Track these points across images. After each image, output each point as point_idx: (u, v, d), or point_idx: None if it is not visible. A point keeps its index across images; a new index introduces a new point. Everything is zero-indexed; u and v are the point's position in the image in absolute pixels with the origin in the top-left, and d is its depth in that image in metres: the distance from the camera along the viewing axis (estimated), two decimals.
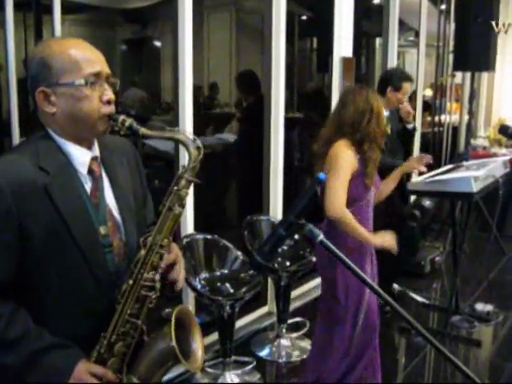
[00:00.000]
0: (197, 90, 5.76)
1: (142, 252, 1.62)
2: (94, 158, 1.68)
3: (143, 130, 1.60)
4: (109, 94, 1.61)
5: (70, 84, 1.57)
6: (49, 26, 2.94)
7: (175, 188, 1.63)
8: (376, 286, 1.54)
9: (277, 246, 1.60)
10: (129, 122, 1.60)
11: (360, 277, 1.54)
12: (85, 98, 1.58)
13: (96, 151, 1.70)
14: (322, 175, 1.54)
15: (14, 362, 1.53)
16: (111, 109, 1.62)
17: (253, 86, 4.98)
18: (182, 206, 1.65)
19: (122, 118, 1.60)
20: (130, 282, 1.62)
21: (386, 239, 2.90)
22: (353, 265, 1.53)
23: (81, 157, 1.64)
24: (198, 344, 1.70)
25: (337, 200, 2.85)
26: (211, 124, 6.26)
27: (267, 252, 1.58)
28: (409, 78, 4.42)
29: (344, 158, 2.90)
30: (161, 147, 4.60)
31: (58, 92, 1.58)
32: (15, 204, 1.51)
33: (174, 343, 1.56)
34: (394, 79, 4.33)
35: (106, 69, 1.63)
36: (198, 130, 4.92)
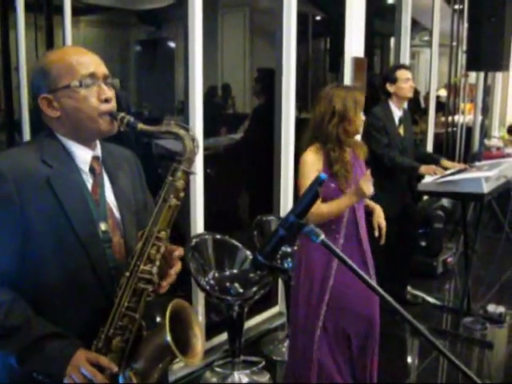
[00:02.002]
0: (211, 90, 5.77)
1: (139, 244, 1.65)
2: (95, 157, 1.74)
3: (141, 126, 1.64)
4: (106, 93, 1.67)
5: (67, 87, 1.63)
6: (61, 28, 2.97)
7: (170, 179, 1.65)
8: (377, 287, 1.53)
9: (278, 246, 1.59)
10: (127, 118, 1.65)
11: (361, 277, 1.54)
12: (82, 99, 1.64)
13: (98, 152, 1.76)
14: (323, 175, 1.54)
15: (15, 349, 1.57)
16: (110, 106, 1.68)
17: (271, 85, 4.95)
18: (178, 197, 1.65)
19: (121, 114, 1.66)
20: (127, 274, 1.64)
21: (360, 188, 2.78)
22: (354, 265, 1.53)
23: (82, 155, 1.70)
24: (198, 338, 1.70)
25: None
26: (224, 124, 6.26)
27: (269, 252, 1.58)
28: (401, 66, 4.45)
29: (308, 164, 2.91)
30: (172, 147, 4.62)
31: (58, 96, 1.65)
32: (17, 191, 1.56)
33: (169, 338, 1.56)
34: (388, 74, 4.38)
35: (102, 70, 1.69)
36: (211, 131, 4.94)
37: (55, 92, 1.64)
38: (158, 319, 1.66)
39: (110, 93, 1.68)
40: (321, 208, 2.82)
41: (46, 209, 1.59)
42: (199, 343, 1.69)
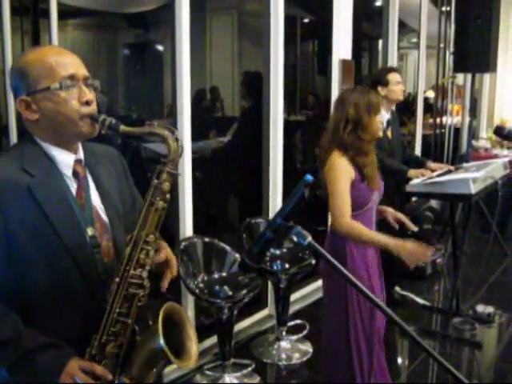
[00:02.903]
0: (199, 93, 5.78)
1: (128, 249, 1.63)
2: (77, 161, 1.70)
3: (123, 128, 1.61)
4: (87, 95, 1.63)
5: (46, 89, 1.60)
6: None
7: (156, 181, 1.62)
8: (365, 290, 1.53)
9: (266, 248, 1.59)
10: (109, 120, 1.61)
11: (350, 280, 1.54)
12: (62, 102, 1.60)
13: (80, 155, 1.72)
14: (309, 177, 1.54)
15: (6, 362, 1.54)
16: (91, 109, 1.64)
17: (258, 88, 4.96)
18: (165, 200, 1.63)
19: (102, 117, 1.62)
20: (117, 279, 1.62)
21: (410, 247, 2.69)
22: (341, 267, 1.53)
23: (65, 160, 1.67)
24: (192, 340, 1.68)
25: (341, 213, 2.77)
26: (213, 127, 6.27)
27: (256, 254, 1.58)
28: (392, 69, 4.46)
29: (339, 169, 2.85)
30: (161, 150, 4.60)
31: (37, 99, 1.61)
32: None
33: (162, 342, 1.55)
34: (378, 77, 4.37)
35: (82, 71, 1.65)
36: (200, 134, 4.93)
37: (34, 94, 1.60)
38: (151, 323, 1.64)
39: (90, 95, 1.64)
40: (363, 230, 2.81)
41: (30, 219, 1.56)
42: (193, 346, 1.68)
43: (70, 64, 1.63)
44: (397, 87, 4.30)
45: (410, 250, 2.68)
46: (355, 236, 2.82)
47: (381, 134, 2.98)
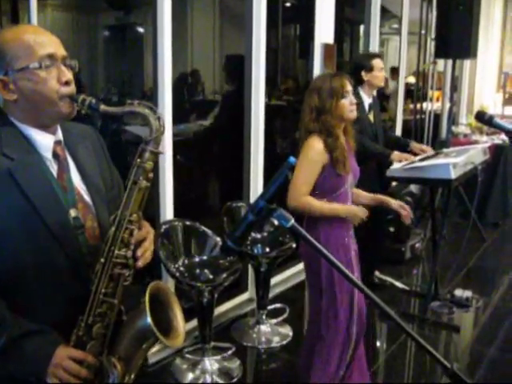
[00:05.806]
0: (180, 76, 5.73)
1: (112, 229, 1.62)
2: (57, 142, 1.68)
3: (103, 107, 1.59)
4: (66, 75, 1.61)
5: (25, 69, 1.57)
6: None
7: (139, 161, 1.61)
8: (348, 272, 1.54)
9: (248, 230, 1.59)
10: (88, 100, 1.59)
11: (333, 263, 1.54)
12: (41, 81, 1.57)
13: (59, 136, 1.70)
14: (292, 159, 1.53)
15: None
16: (71, 89, 1.62)
17: (239, 72, 4.93)
18: (148, 179, 1.63)
19: (82, 97, 1.60)
20: (102, 260, 1.61)
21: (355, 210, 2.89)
22: (325, 250, 1.53)
23: (44, 141, 1.64)
24: (179, 319, 1.69)
25: (293, 190, 2.83)
26: (194, 111, 6.24)
27: (238, 237, 1.57)
28: (376, 55, 4.53)
29: (311, 151, 2.86)
30: (141, 133, 4.57)
31: (16, 78, 1.57)
32: None
33: (149, 320, 1.55)
34: (363, 62, 4.39)
35: (61, 51, 1.62)
36: (181, 117, 4.90)
37: (12, 74, 1.57)
38: (137, 303, 1.63)
39: (69, 75, 1.62)
40: (313, 203, 2.86)
41: (12, 203, 1.54)
42: (180, 324, 1.69)
43: (49, 43, 1.60)
44: (380, 73, 4.34)
45: (354, 212, 2.90)
46: (306, 210, 2.87)
47: (352, 115, 2.95)
